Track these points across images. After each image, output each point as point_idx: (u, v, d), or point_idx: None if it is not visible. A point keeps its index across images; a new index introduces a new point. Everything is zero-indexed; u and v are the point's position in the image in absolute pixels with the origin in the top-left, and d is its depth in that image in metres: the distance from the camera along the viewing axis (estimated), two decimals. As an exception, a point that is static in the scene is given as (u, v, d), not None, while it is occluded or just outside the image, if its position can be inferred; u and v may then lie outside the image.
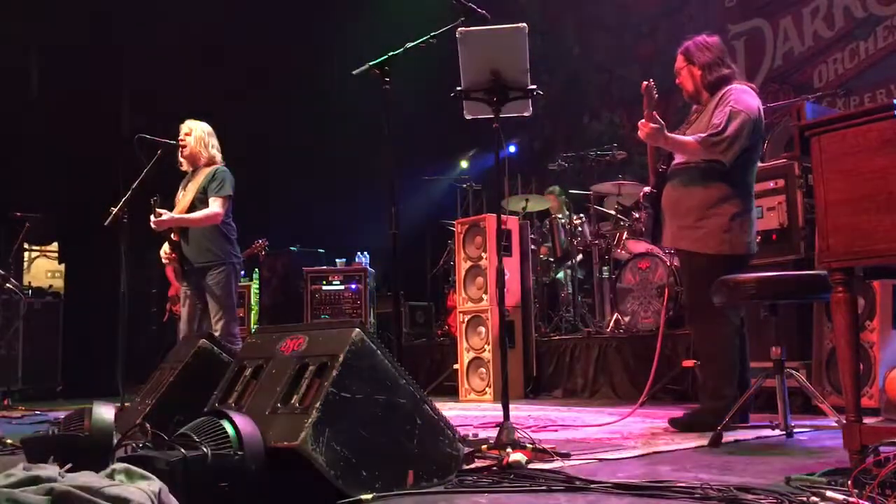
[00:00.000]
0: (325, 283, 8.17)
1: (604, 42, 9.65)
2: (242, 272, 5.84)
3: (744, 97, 3.78)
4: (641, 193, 4.65)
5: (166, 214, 4.81)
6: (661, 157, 4.09)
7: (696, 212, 3.82)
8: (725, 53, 3.99)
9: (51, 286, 8.73)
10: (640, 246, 6.60)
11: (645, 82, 3.85)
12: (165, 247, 4.99)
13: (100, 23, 9.01)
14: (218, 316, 4.82)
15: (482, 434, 3.61)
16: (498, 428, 3.14)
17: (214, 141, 5.06)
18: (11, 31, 8.70)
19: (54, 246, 9.12)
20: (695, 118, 3.98)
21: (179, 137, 5.01)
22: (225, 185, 4.87)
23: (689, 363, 5.15)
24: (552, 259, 7.64)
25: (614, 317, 6.55)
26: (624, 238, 6.93)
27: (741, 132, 3.69)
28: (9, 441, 3.63)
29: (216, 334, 4.67)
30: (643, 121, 3.79)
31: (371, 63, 3.51)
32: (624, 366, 5.97)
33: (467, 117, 3.60)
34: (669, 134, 3.83)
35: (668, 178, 4.01)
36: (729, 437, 3.37)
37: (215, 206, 4.83)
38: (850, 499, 1.89)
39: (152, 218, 4.78)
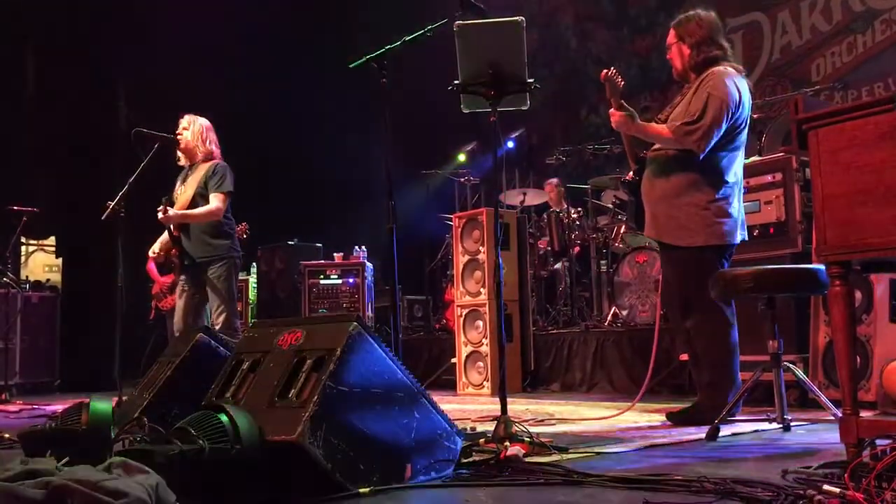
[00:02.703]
0: (322, 277, 8.16)
1: (602, 35, 9.64)
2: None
3: (724, 82, 3.64)
4: (621, 181, 4.61)
5: (172, 211, 4.82)
6: (642, 145, 4.00)
7: (667, 200, 3.76)
8: (719, 31, 3.85)
9: (48, 280, 8.72)
10: (638, 239, 6.60)
11: (605, 70, 3.79)
12: (156, 246, 5.00)
13: (97, 16, 8.99)
14: (220, 310, 4.84)
15: (480, 428, 3.62)
16: (496, 421, 3.15)
17: (212, 136, 5.06)
18: (8, 25, 8.67)
19: (51, 240, 9.11)
20: (678, 100, 3.87)
21: (177, 132, 5.01)
22: (225, 182, 4.88)
23: (685, 357, 5.16)
24: (550, 253, 7.65)
25: (612, 310, 6.55)
26: (622, 231, 6.93)
27: (717, 121, 3.58)
28: (6, 435, 3.63)
29: (217, 328, 4.69)
30: (613, 109, 3.77)
31: (369, 56, 3.51)
32: (621, 360, 5.97)
33: (465, 111, 3.59)
34: (641, 122, 3.78)
35: (647, 164, 3.94)
36: (726, 430, 3.37)
37: (216, 201, 4.84)
38: (847, 492, 1.90)
39: (160, 215, 4.79)
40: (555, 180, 8.14)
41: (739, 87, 3.70)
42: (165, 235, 4.97)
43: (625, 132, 3.91)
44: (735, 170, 3.78)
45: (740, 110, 3.69)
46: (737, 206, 3.78)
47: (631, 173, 4.07)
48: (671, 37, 3.91)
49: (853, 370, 2.37)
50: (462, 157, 9.25)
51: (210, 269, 4.86)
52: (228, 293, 4.87)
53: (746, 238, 3.91)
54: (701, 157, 3.66)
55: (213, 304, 4.86)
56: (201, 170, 4.94)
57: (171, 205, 4.85)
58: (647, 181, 3.91)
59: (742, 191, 3.91)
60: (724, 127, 3.63)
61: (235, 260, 4.97)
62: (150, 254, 5.13)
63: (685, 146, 3.67)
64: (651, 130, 3.79)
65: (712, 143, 3.63)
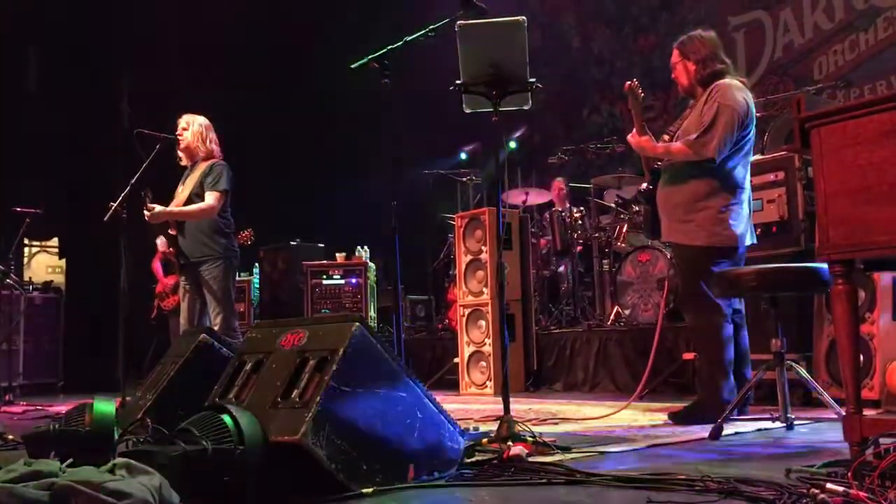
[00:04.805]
0: (325, 277, 8.15)
1: (604, 35, 9.62)
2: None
3: (731, 92, 3.81)
4: (637, 190, 4.73)
5: (158, 208, 4.80)
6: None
7: (685, 206, 3.88)
8: (720, 48, 4.02)
9: (51, 281, 8.72)
10: (640, 239, 6.60)
11: (628, 82, 3.98)
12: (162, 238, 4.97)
13: (99, 16, 9.00)
14: (217, 311, 4.81)
15: (483, 427, 3.61)
16: (498, 421, 3.15)
17: (212, 135, 5.04)
18: (10, 26, 8.69)
19: (54, 241, 9.10)
20: (687, 114, 4.04)
21: (177, 132, 5.00)
22: (221, 180, 4.85)
23: (689, 356, 5.16)
24: (552, 252, 7.64)
25: (615, 310, 6.55)
26: (624, 231, 6.93)
27: (729, 128, 3.73)
28: (10, 436, 3.63)
29: (216, 329, 4.67)
30: (635, 131, 3.97)
31: (370, 57, 3.50)
32: (624, 359, 5.97)
33: (467, 111, 3.59)
34: (657, 144, 3.98)
35: (661, 174, 4.07)
36: (729, 429, 3.37)
37: (210, 199, 4.81)
38: (851, 490, 1.89)
39: (145, 212, 4.78)
40: (560, 180, 8.15)
41: (746, 97, 3.86)
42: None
43: (643, 154, 4.09)
44: (744, 176, 3.92)
45: (748, 119, 3.84)
46: (747, 211, 3.92)
47: (646, 184, 4.22)
48: (675, 56, 4.06)
49: (856, 369, 2.37)
50: (463, 156, 9.24)
51: (205, 270, 4.83)
52: (224, 294, 4.84)
53: (756, 241, 4.02)
54: (717, 164, 3.79)
55: (210, 305, 4.84)
56: (200, 169, 4.93)
57: (159, 200, 4.80)
58: (662, 191, 4.04)
59: (751, 196, 4.03)
60: (735, 134, 3.77)
61: (232, 260, 4.93)
62: (159, 243, 5.09)
63: (703, 156, 3.81)
64: (669, 150, 3.95)
65: (727, 149, 3.77)
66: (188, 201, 4.87)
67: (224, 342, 3.49)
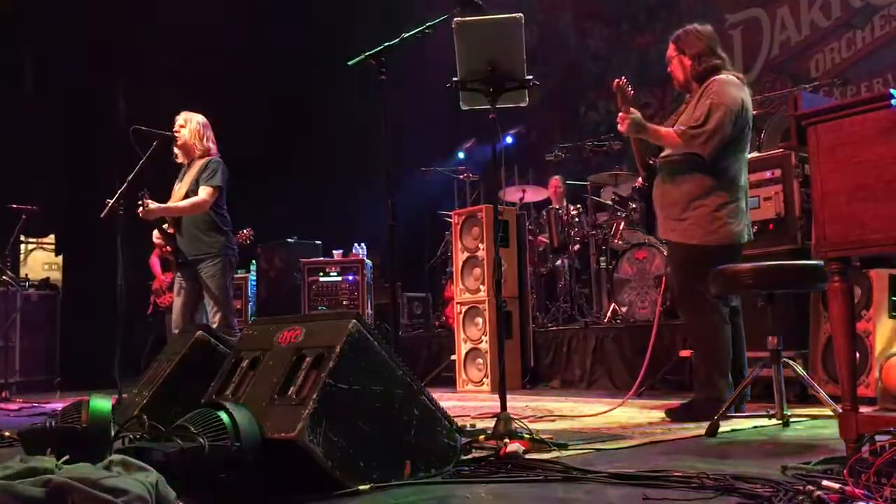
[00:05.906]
0: (322, 274, 8.16)
1: (601, 31, 9.62)
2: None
3: (727, 89, 3.77)
4: (632, 187, 4.71)
5: (153, 204, 4.78)
6: (650, 152, 4.12)
7: (681, 203, 3.85)
8: (717, 43, 3.98)
9: (48, 278, 8.71)
10: (637, 236, 6.60)
11: (616, 80, 3.91)
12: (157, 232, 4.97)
13: (95, 15, 8.98)
14: (215, 308, 4.80)
15: (480, 424, 3.62)
16: (495, 418, 3.15)
17: (210, 133, 5.03)
18: (7, 24, 8.67)
19: (51, 238, 9.09)
20: (682, 109, 3.99)
21: (174, 129, 4.99)
22: (216, 176, 4.84)
23: (685, 353, 5.17)
24: (549, 249, 7.65)
25: (611, 307, 6.55)
26: (621, 228, 6.93)
27: (721, 125, 3.69)
28: (6, 433, 3.63)
29: (214, 326, 4.67)
30: (622, 114, 3.85)
31: (367, 53, 3.50)
32: (621, 356, 5.97)
33: (464, 108, 3.59)
34: (649, 124, 3.89)
35: (657, 171, 4.04)
36: (725, 426, 3.38)
37: (203, 194, 4.80)
38: (846, 487, 1.90)
39: (140, 210, 4.76)
40: (557, 178, 8.15)
41: (742, 94, 3.81)
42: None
43: (634, 136, 4.00)
44: (742, 173, 3.90)
45: (744, 116, 3.80)
46: (744, 209, 3.89)
47: (640, 180, 4.20)
48: (671, 50, 4.02)
49: (852, 366, 2.37)
50: (461, 154, 9.24)
51: (203, 268, 4.81)
52: (222, 292, 4.83)
53: (753, 238, 4.00)
54: (709, 161, 3.76)
55: (208, 303, 4.83)
56: (196, 166, 4.93)
57: (152, 198, 4.80)
58: (658, 187, 4.02)
59: (748, 192, 4.00)
60: (729, 131, 3.73)
61: (230, 258, 4.92)
62: (155, 238, 5.08)
63: (692, 149, 3.77)
64: (660, 133, 3.89)
65: (718, 146, 3.73)
66: (185, 198, 4.86)
67: (221, 339, 3.48)
